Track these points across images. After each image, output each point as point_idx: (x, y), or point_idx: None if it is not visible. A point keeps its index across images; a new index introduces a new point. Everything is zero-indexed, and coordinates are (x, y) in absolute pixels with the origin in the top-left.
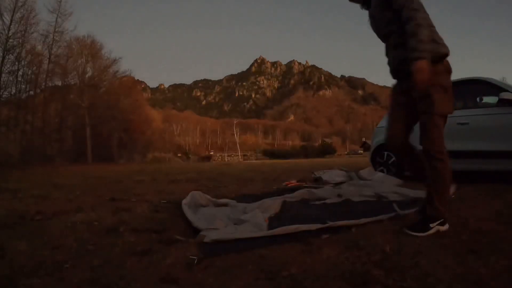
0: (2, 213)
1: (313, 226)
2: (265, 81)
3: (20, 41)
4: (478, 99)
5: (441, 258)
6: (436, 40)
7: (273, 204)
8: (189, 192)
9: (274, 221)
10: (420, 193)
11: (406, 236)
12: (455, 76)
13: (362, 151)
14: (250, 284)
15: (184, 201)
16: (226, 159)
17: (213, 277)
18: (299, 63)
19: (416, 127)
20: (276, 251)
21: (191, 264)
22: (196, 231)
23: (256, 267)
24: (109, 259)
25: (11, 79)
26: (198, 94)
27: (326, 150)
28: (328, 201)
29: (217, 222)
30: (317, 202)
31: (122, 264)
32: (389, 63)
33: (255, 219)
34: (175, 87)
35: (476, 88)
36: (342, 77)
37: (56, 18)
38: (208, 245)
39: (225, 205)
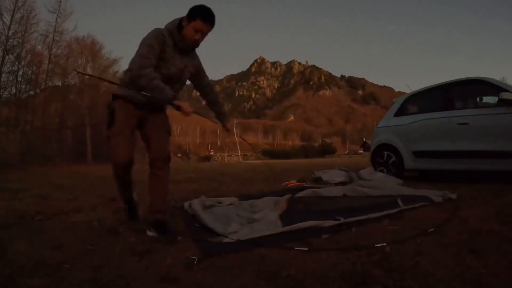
0: (2, 213)
1: (326, 223)
2: (265, 81)
3: (20, 41)
4: (478, 99)
5: (441, 258)
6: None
7: (279, 204)
8: (189, 192)
9: (285, 218)
10: (421, 192)
11: (406, 236)
12: (456, 76)
13: (362, 152)
14: (250, 284)
15: (186, 204)
16: (226, 159)
17: (213, 277)
18: (299, 63)
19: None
20: (276, 251)
21: (191, 264)
22: (204, 230)
23: (256, 267)
24: (109, 259)
25: (11, 79)
26: (198, 94)
27: (326, 150)
28: (333, 199)
29: (233, 224)
30: (323, 200)
31: (122, 264)
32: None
33: (267, 218)
34: None
35: (476, 88)
36: (342, 77)
37: (56, 18)
38: (208, 245)
39: (230, 204)
